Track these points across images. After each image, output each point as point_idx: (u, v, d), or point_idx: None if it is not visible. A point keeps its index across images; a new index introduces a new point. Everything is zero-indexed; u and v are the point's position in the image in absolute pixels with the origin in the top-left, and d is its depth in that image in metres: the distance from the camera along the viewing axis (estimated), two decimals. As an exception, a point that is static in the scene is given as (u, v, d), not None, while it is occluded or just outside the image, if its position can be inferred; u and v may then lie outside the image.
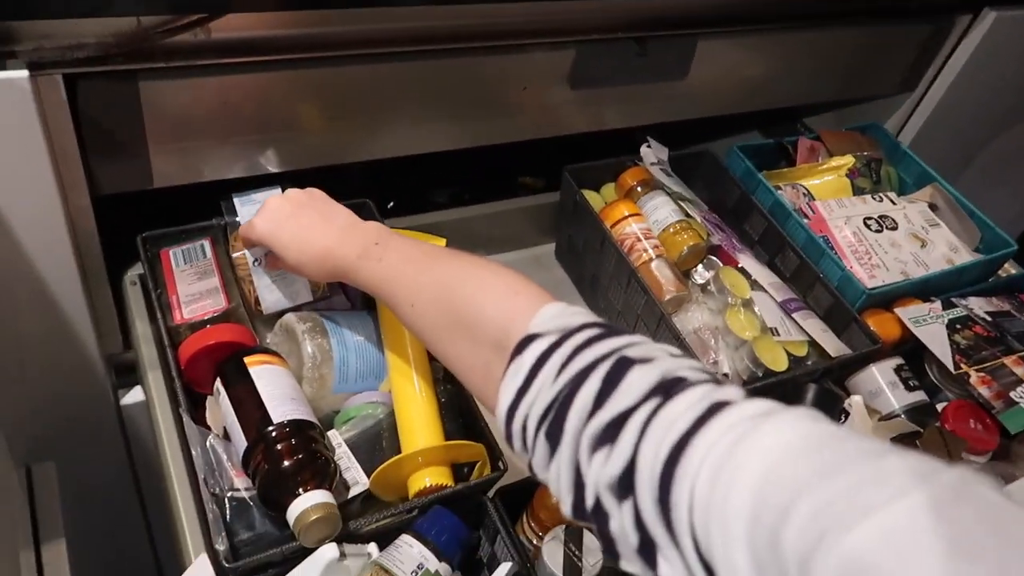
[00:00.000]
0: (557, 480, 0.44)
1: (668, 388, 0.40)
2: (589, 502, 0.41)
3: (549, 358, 0.45)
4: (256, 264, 0.74)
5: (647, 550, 0.38)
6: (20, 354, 0.80)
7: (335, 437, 0.69)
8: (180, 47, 0.69)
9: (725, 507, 0.33)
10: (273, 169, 0.85)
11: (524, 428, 0.46)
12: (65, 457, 0.91)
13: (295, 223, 0.66)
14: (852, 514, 0.29)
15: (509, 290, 0.51)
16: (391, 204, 1.11)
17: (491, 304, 0.51)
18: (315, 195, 0.69)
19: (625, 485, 0.39)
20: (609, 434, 0.40)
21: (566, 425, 0.42)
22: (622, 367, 0.42)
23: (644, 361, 0.43)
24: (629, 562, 0.40)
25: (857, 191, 1.07)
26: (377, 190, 1.04)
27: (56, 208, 0.70)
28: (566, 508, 0.43)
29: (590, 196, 1.00)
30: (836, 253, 0.96)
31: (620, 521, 0.39)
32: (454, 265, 0.56)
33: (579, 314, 0.48)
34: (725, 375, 0.84)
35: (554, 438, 0.43)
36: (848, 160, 1.07)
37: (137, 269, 0.84)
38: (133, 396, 0.89)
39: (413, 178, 1.14)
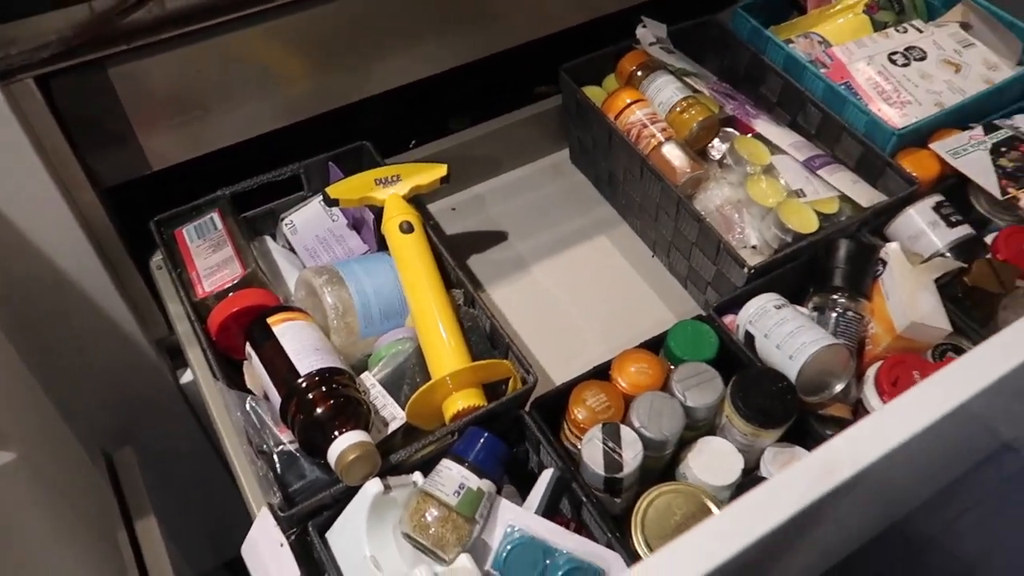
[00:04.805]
0: None
1: None
2: None
3: None
4: None
5: None
6: (77, 352, 0.85)
7: (368, 379, 0.70)
8: (139, 25, 0.69)
9: None
10: (270, 127, 0.85)
11: None
12: (142, 440, 0.96)
13: None
14: None
15: None
16: (412, 143, 1.08)
17: None
18: None
19: None
20: None
21: None
22: None
23: None
24: None
25: (879, 27, 1.00)
26: (396, 127, 1.03)
27: (63, 209, 0.72)
28: None
29: (593, 92, 0.96)
30: (860, 98, 0.90)
31: None
32: None
33: None
34: (754, 247, 0.81)
35: None
36: (863, -5, 0.99)
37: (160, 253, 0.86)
38: (189, 375, 0.93)
39: (431, 109, 1.12)
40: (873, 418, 0.48)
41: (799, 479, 0.44)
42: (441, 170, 0.82)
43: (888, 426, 0.48)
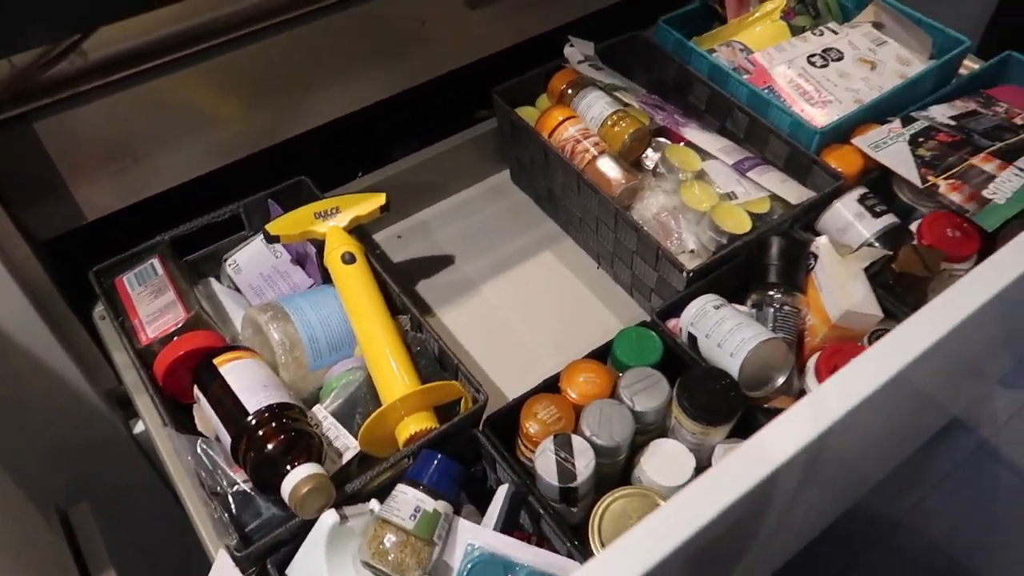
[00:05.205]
0: None
1: None
2: None
3: None
4: None
5: None
6: (24, 411, 0.83)
7: (319, 411, 0.70)
8: (62, 78, 0.69)
9: None
10: (205, 169, 0.85)
11: None
12: (99, 494, 0.94)
13: None
14: None
15: None
16: (360, 173, 1.09)
17: None
18: None
19: None
20: None
21: None
22: None
23: None
24: None
25: (797, 31, 1.04)
26: (340, 159, 1.04)
27: (-5, 266, 0.71)
28: None
29: (527, 112, 0.98)
30: (783, 100, 0.93)
31: None
32: None
33: None
34: (692, 251, 0.83)
35: None
36: (779, 2, 1.03)
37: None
38: (141, 424, 0.92)
39: (374, 139, 1.12)
40: (807, 400, 0.50)
41: (736, 467, 0.45)
42: (380, 199, 0.83)
43: (822, 406, 0.50)
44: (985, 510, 1.42)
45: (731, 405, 0.66)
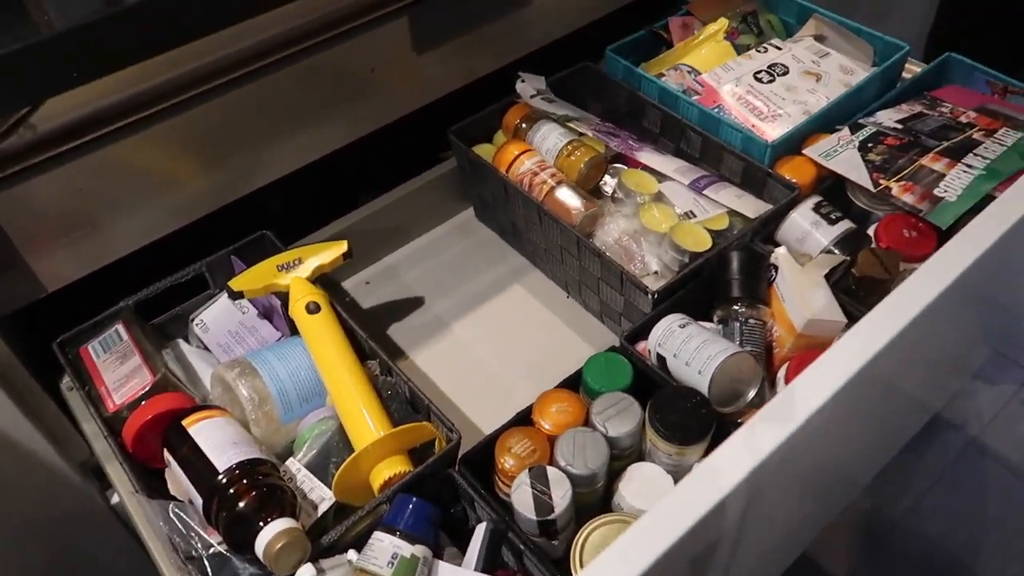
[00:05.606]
0: None
1: None
2: None
3: None
4: None
5: None
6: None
7: (292, 464, 0.69)
8: (11, 152, 0.69)
9: None
10: (166, 231, 0.85)
11: None
12: (79, 569, 0.92)
13: None
14: None
15: None
16: (319, 225, 1.09)
17: None
18: None
19: None
20: None
21: None
22: None
23: None
24: None
25: (741, 50, 1.06)
26: (305, 209, 1.04)
27: (-45, 344, 0.70)
28: None
29: (485, 149, 0.99)
30: (734, 117, 0.95)
31: None
32: None
33: None
34: (655, 273, 0.84)
35: None
36: (721, 24, 1.06)
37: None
38: (117, 495, 0.90)
39: (339, 187, 1.13)
40: (770, 405, 0.50)
41: (704, 479, 0.45)
42: (341, 247, 0.83)
43: (786, 409, 0.50)
44: (979, 507, 1.42)
45: (703, 422, 0.66)
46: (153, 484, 0.72)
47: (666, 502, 0.44)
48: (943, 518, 1.39)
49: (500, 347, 0.92)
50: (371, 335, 0.78)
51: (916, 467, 1.46)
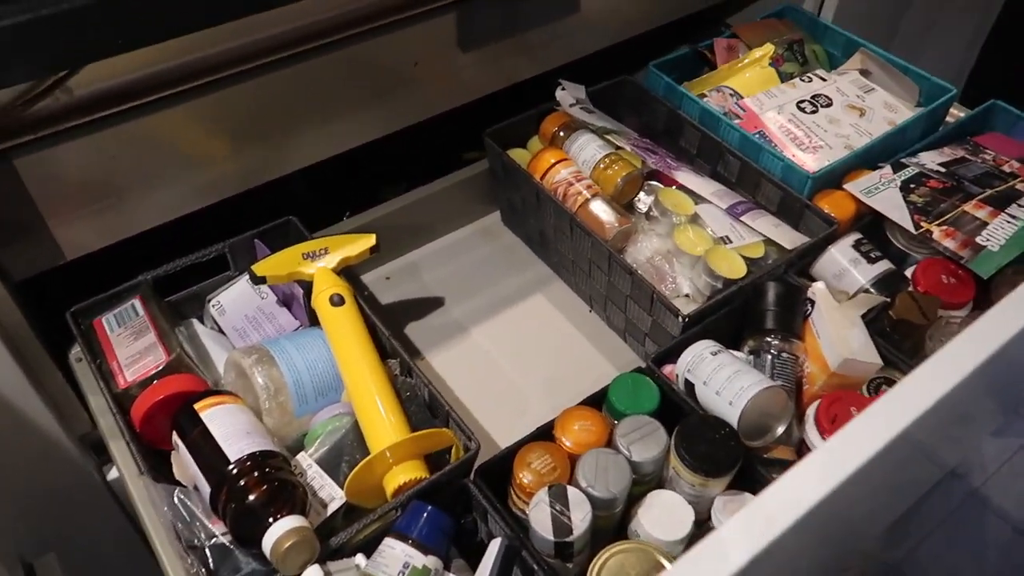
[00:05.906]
0: None
1: None
2: None
3: None
4: None
5: None
6: (-9, 458, 0.80)
7: (304, 459, 0.68)
8: (45, 115, 0.67)
9: None
10: (191, 208, 0.83)
11: None
12: (68, 545, 0.90)
13: None
14: None
15: None
16: (348, 214, 1.07)
17: None
18: None
19: None
20: None
21: None
22: None
23: None
24: None
25: (785, 78, 1.04)
26: (329, 199, 1.02)
27: (-31, 305, 0.69)
28: None
29: (519, 154, 0.98)
30: (774, 145, 0.93)
31: None
32: None
33: None
34: (687, 296, 0.82)
35: None
36: (768, 49, 1.04)
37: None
38: (115, 471, 0.88)
39: (363, 179, 1.11)
40: (812, 457, 0.48)
41: (741, 530, 0.43)
42: (370, 240, 0.81)
43: (828, 465, 0.48)
44: (978, 558, 1.40)
45: (731, 455, 0.64)
46: (156, 466, 0.70)
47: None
48: (942, 567, 1.38)
49: (518, 356, 0.90)
50: (391, 334, 0.76)
51: (917, 514, 1.45)
